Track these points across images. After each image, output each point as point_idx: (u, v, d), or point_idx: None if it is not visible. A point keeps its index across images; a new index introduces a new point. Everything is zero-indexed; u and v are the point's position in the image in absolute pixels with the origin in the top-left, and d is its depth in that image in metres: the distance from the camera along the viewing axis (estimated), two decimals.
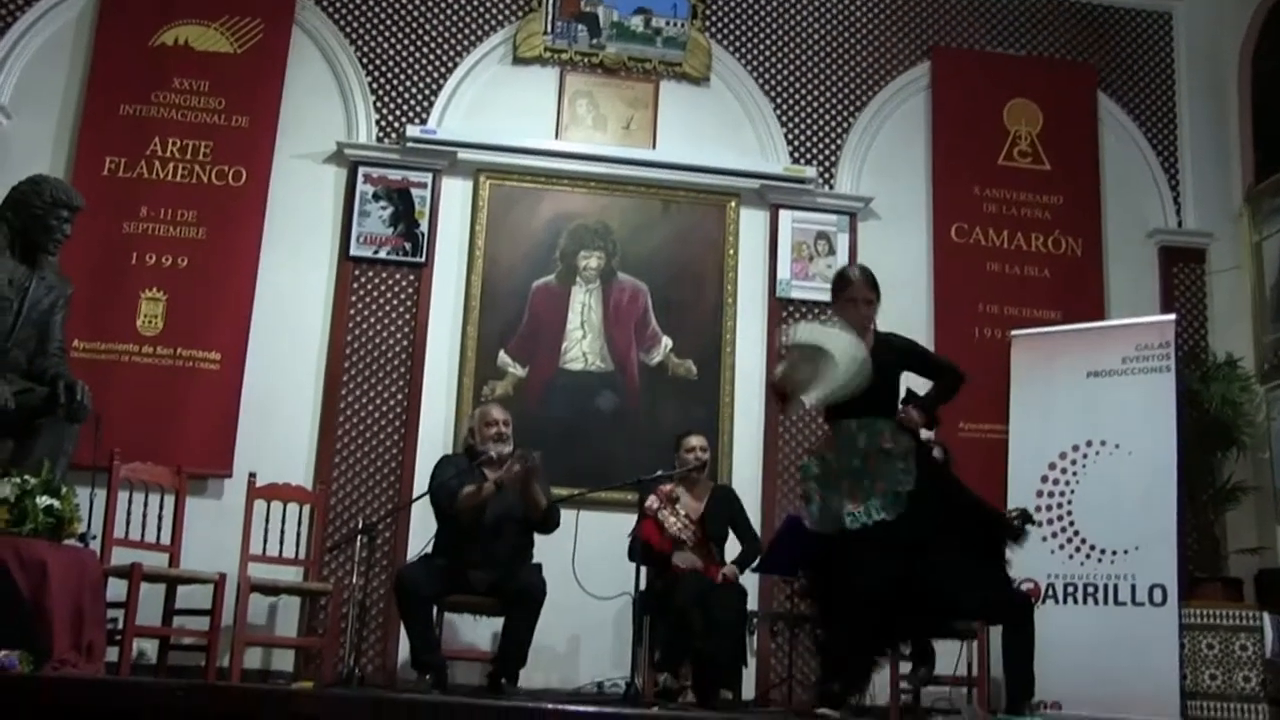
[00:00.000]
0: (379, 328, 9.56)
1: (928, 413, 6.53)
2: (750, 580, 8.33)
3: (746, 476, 9.35)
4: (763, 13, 10.57)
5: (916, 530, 6.25)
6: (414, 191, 9.77)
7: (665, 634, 7.90)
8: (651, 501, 8.29)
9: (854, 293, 6.61)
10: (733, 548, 8.42)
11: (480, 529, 7.88)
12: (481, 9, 10.24)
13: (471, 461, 8.06)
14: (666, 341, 9.84)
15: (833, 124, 10.48)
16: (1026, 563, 8.73)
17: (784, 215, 10.08)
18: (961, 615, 7.10)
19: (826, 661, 6.80)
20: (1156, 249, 10.57)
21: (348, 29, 10.04)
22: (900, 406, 6.50)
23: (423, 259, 9.69)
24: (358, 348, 9.51)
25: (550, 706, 5.27)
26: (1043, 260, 10.34)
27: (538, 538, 8.14)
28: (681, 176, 10.09)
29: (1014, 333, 9.53)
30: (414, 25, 10.13)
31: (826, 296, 9.64)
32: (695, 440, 8.57)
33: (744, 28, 10.52)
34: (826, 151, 10.40)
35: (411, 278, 9.68)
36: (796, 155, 10.32)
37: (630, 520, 8.00)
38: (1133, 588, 8.60)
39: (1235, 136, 10.70)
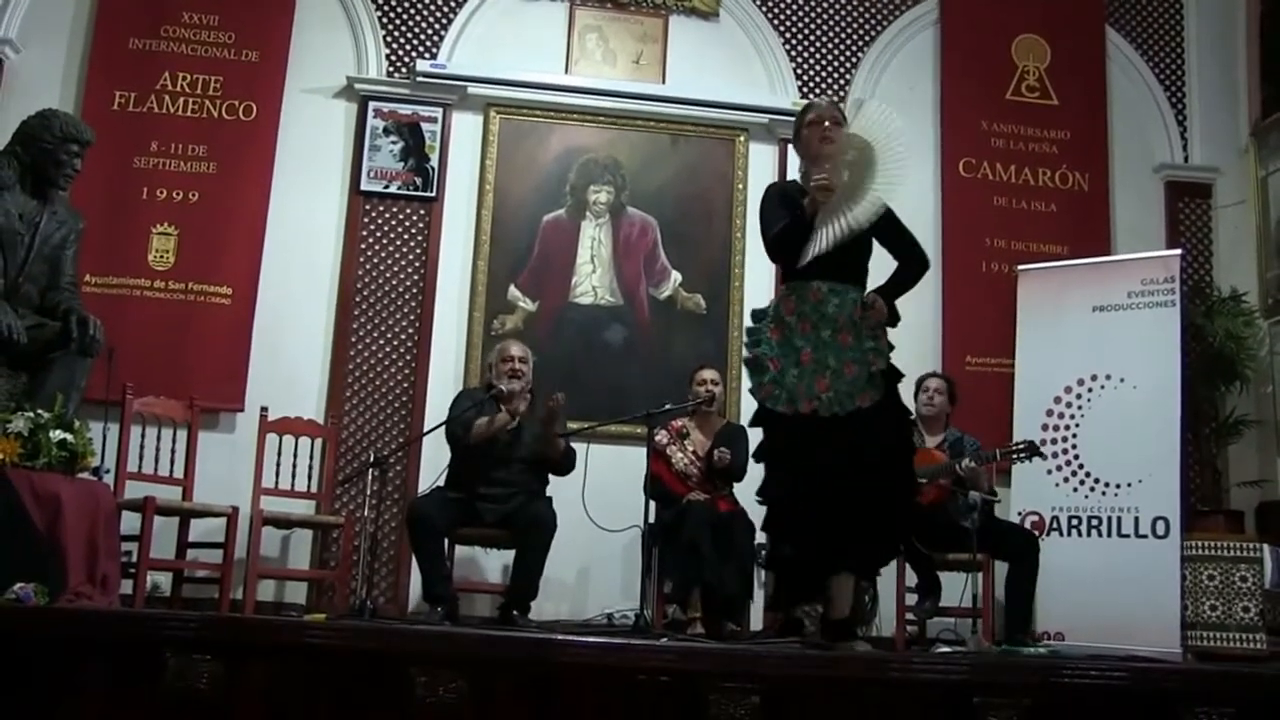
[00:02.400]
0: (390, 262, 9.60)
1: (892, 309, 6.09)
2: (758, 513, 8.38)
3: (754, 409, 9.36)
4: None
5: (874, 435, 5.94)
6: (424, 126, 9.79)
7: (675, 566, 7.95)
8: (661, 437, 8.33)
9: (820, 114, 6.19)
10: (743, 487, 8.42)
11: (492, 462, 7.95)
12: None
13: (487, 393, 8.13)
14: (676, 275, 9.88)
15: (842, 59, 10.47)
16: (1031, 495, 8.85)
17: (793, 150, 10.05)
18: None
19: (791, 580, 6.37)
20: (1163, 184, 10.57)
21: None
22: (868, 294, 6.08)
23: (433, 193, 9.72)
24: (369, 282, 9.56)
25: (560, 637, 5.34)
26: (1050, 195, 10.33)
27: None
28: (691, 111, 10.10)
29: (1021, 267, 9.56)
30: None
31: None
32: (707, 374, 8.58)
33: None
34: (835, 86, 10.40)
35: (422, 212, 9.71)
36: (805, 90, 10.31)
37: (639, 453, 8.02)
38: (1136, 520, 8.67)
39: (1243, 71, 10.69)
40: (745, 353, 6.41)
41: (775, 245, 6.18)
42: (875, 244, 6.25)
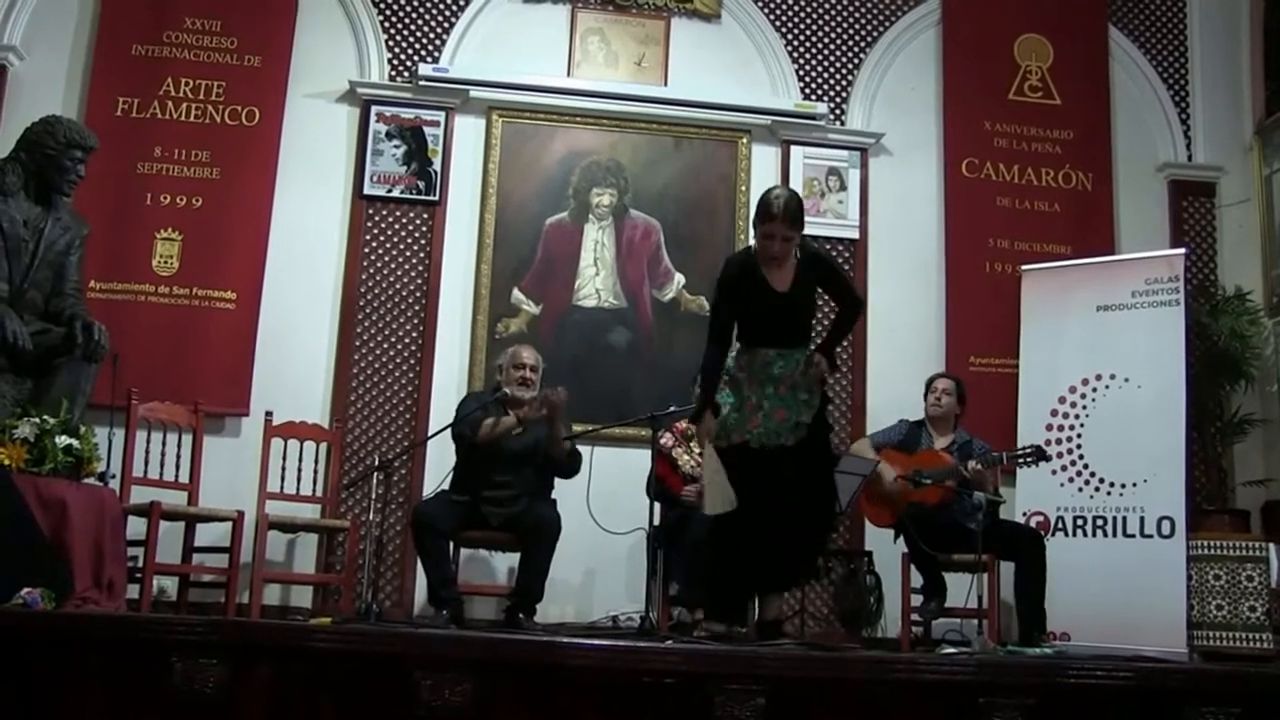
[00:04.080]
0: (393, 266, 9.61)
1: (831, 359, 6.66)
2: None
3: None
4: None
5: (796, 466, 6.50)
6: (427, 130, 9.80)
7: (681, 569, 7.96)
8: (666, 439, 8.35)
9: (772, 229, 6.48)
10: None
11: (498, 465, 7.94)
12: None
13: (494, 394, 8.12)
14: (679, 278, 9.88)
15: (844, 60, 10.47)
16: (1037, 496, 8.83)
17: (795, 151, 10.09)
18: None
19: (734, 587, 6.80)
20: (1166, 183, 10.57)
21: None
22: (812, 356, 6.58)
23: (436, 197, 9.72)
24: (372, 286, 9.56)
25: (565, 640, 5.34)
26: (1053, 195, 10.34)
27: None
28: (693, 113, 10.09)
29: (1024, 267, 9.54)
30: None
31: (839, 233, 9.75)
32: None
33: None
34: (838, 87, 10.40)
35: (425, 216, 9.72)
36: (808, 91, 10.32)
37: (643, 455, 8.01)
38: (1141, 520, 8.65)
39: (1246, 69, 10.70)
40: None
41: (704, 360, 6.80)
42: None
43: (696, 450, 8.35)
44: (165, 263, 9.27)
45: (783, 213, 6.47)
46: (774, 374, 6.53)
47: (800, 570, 6.92)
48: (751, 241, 6.92)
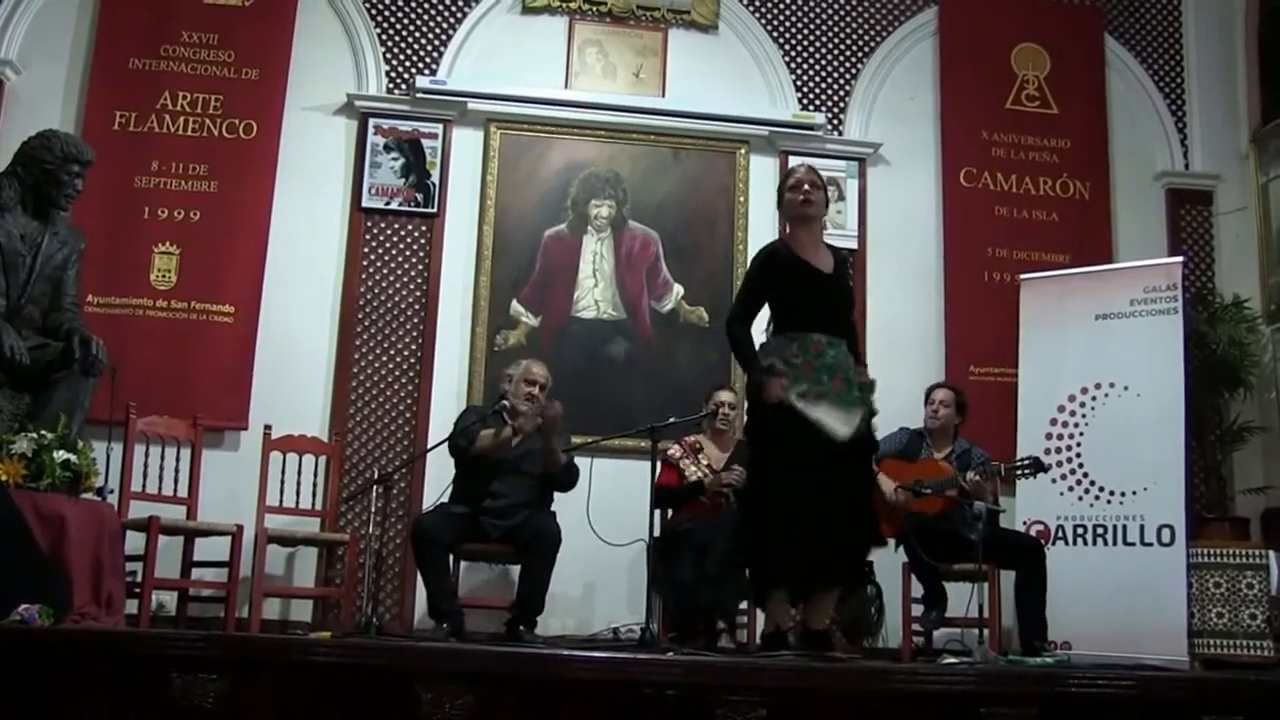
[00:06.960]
0: (392, 279, 9.60)
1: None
2: None
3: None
4: None
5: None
6: (425, 142, 9.80)
7: (676, 598, 7.93)
8: (675, 451, 8.36)
9: (800, 179, 6.56)
10: None
11: (497, 477, 7.93)
12: None
13: (496, 403, 8.09)
14: (678, 289, 9.87)
15: (841, 70, 10.47)
16: (1037, 505, 8.83)
17: (793, 162, 10.02)
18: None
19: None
20: (1164, 191, 10.58)
21: None
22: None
23: (434, 209, 9.71)
24: (371, 299, 9.55)
25: (566, 652, 5.34)
26: (1051, 204, 10.35)
27: None
28: (691, 124, 10.10)
29: (1023, 276, 9.56)
30: None
31: (838, 243, 9.71)
32: (725, 396, 8.54)
33: None
34: (835, 98, 10.40)
35: (424, 228, 9.71)
36: (805, 102, 10.32)
37: (642, 467, 7.98)
38: (1141, 528, 8.66)
39: (1242, 78, 10.70)
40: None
41: (731, 340, 6.67)
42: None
43: (704, 463, 8.37)
44: (163, 276, 9.26)
45: (804, 166, 6.70)
46: (828, 362, 6.36)
47: (852, 567, 6.75)
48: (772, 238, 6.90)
